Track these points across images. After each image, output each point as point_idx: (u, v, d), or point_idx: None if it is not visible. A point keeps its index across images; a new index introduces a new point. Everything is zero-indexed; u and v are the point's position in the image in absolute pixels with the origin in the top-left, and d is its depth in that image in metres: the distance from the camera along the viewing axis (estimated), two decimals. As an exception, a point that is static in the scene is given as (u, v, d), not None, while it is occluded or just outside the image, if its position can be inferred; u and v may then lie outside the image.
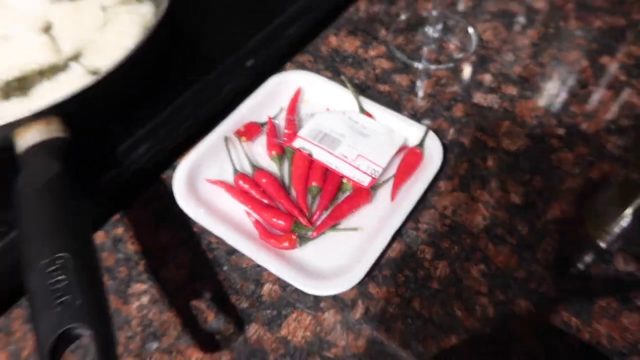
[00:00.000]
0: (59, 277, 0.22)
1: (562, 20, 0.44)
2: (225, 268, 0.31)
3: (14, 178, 0.28)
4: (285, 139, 0.35)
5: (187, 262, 0.32)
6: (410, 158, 0.34)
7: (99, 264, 0.25)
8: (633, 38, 0.42)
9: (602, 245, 0.31)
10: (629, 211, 0.30)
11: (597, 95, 0.39)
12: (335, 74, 0.40)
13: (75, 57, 0.38)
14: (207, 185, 0.33)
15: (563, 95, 0.39)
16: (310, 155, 0.33)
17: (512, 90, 0.39)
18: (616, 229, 0.30)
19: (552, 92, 0.39)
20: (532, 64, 0.41)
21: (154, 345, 0.29)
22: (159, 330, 0.29)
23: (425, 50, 0.42)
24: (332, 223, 0.31)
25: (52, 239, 0.24)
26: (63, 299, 0.22)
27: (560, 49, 0.42)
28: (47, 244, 0.24)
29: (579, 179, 0.34)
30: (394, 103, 0.38)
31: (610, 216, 0.31)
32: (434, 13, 0.42)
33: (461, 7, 0.45)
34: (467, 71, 0.41)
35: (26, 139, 0.31)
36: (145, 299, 0.30)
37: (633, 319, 0.29)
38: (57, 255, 0.23)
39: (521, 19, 0.44)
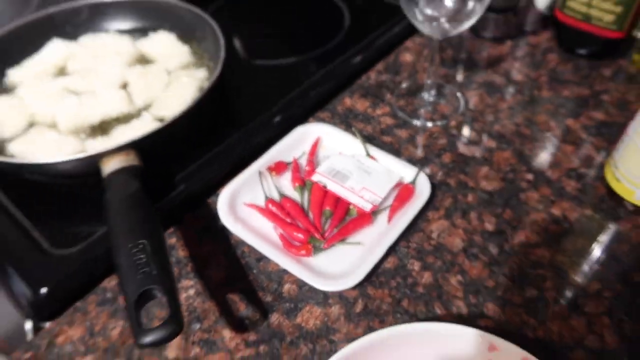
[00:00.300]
0: (140, 256, 0.31)
1: (537, 90, 0.54)
2: (254, 271, 0.40)
3: (101, 193, 0.38)
4: (306, 174, 0.44)
5: (224, 265, 0.40)
6: (404, 192, 0.42)
7: (166, 249, 0.34)
8: (594, 105, 0.51)
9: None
10: None
11: (561, 149, 0.47)
12: (348, 127, 0.50)
13: (146, 108, 0.49)
14: (243, 207, 0.42)
15: (533, 149, 0.47)
16: (325, 186, 0.42)
17: (491, 144, 0.48)
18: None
19: (524, 146, 0.48)
20: (509, 123, 0.50)
21: (197, 326, 0.37)
22: (201, 315, 0.37)
23: (422, 110, 0.52)
24: (340, 238, 0.40)
25: (135, 231, 0.33)
26: (143, 270, 0.31)
27: (533, 113, 0.51)
28: (131, 234, 0.33)
29: (542, 213, 0.42)
30: (394, 150, 0.48)
31: None
32: (429, 82, 0.52)
33: (459, 77, 0.55)
34: (455, 128, 0.50)
35: (110, 166, 0.41)
36: (191, 292, 0.39)
37: (579, 321, 0.36)
38: (138, 242, 0.32)
39: (502, 88, 0.54)
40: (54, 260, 0.39)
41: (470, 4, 0.43)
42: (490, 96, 0.53)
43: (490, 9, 0.57)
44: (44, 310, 0.38)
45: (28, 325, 0.38)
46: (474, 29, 0.61)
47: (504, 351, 0.28)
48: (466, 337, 0.29)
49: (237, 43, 0.57)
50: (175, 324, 0.28)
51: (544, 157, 0.47)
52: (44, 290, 0.38)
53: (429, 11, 0.44)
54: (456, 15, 0.44)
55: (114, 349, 0.36)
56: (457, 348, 0.29)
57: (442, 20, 0.44)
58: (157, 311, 0.37)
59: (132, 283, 0.30)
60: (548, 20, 0.58)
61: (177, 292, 0.31)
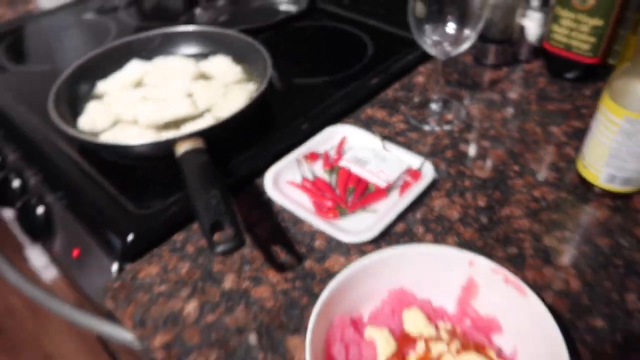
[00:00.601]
0: (212, 201, 0.42)
1: (527, 104, 0.64)
2: (292, 231, 0.50)
3: (169, 173, 0.50)
4: (334, 161, 0.55)
5: (268, 227, 0.51)
6: (412, 174, 0.53)
7: (230, 196, 0.45)
8: (574, 116, 0.62)
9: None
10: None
11: (544, 148, 0.57)
12: (368, 129, 0.61)
13: (207, 111, 0.62)
14: (284, 184, 0.53)
15: (521, 148, 0.58)
16: (349, 169, 0.53)
17: (486, 144, 0.59)
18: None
19: (514, 146, 0.58)
20: (502, 129, 0.61)
21: (247, 267, 0.47)
22: (250, 260, 0.48)
23: (430, 118, 0.63)
24: (360, 206, 0.50)
25: (207, 186, 0.45)
26: (214, 208, 0.42)
27: (523, 122, 0.62)
28: (204, 188, 0.44)
29: (525, 195, 0.52)
30: (406, 147, 0.58)
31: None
32: (435, 97, 0.63)
33: (462, 94, 0.67)
34: (457, 132, 0.61)
35: (182, 148, 0.52)
36: (242, 244, 0.49)
37: (550, 271, 0.45)
38: (210, 193, 0.43)
39: (498, 103, 0.65)
40: (136, 218, 0.51)
41: (466, 32, 0.55)
42: (488, 109, 0.64)
43: (489, 40, 0.69)
44: (128, 254, 0.49)
45: (114, 267, 0.49)
46: (476, 58, 0.72)
47: (478, 265, 0.38)
48: (451, 255, 0.39)
49: (279, 65, 0.70)
50: (238, 240, 0.39)
51: (529, 155, 0.57)
52: (130, 237, 0.49)
53: (435, 37, 0.56)
54: (456, 40, 0.55)
55: (183, 281, 0.46)
56: (445, 264, 0.39)
57: (445, 44, 0.56)
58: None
59: (207, 216, 0.41)
60: (538, 50, 0.70)
61: (238, 221, 0.42)
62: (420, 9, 0.53)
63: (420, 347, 0.36)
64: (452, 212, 0.51)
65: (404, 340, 0.36)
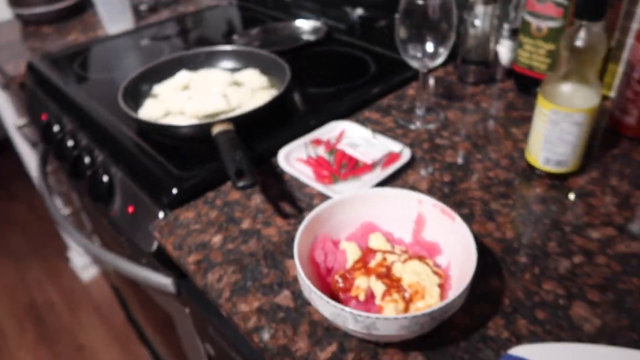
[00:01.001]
0: (237, 157, 0.58)
1: (495, 112, 0.79)
2: (296, 193, 0.65)
3: (205, 149, 0.66)
4: (333, 145, 0.71)
5: (279, 190, 0.66)
6: (393, 156, 0.68)
7: (249, 156, 0.61)
8: (532, 122, 0.76)
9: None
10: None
11: (503, 143, 0.71)
12: (364, 125, 0.77)
13: (237, 107, 0.78)
14: (293, 161, 0.69)
15: (484, 143, 0.72)
16: (344, 151, 0.69)
17: (457, 139, 0.73)
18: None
19: (479, 141, 0.72)
20: (471, 129, 0.75)
21: (260, 215, 0.62)
22: (263, 210, 0.63)
23: (415, 120, 0.78)
24: (350, 176, 0.65)
25: (233, 148, 0.60)
26: (237, 162, 0.57)
27: (489, 124, 0.76)
28: (232, 150, 0.60)
29: (482, 174, 0.66)
30: (392, 138, 0.73)
31: (487, 182, 0.62)
32: (420, 104, 0.78)
33: (443, 103, 0.82)
34: (435, 130, 0.75)
35: (217, 129, 0.69)
36: (259, 200, 0.64)
37: (492, 224, 0.58)
38: (236, 152, 0.59)
39: (471, 111, 0.80)
40: (179, 178, 0.67)
41: (440, 50, 0.70)
42: (463, 114, 0.79)
43: (469, 62, 0.85)
44: (172, 204, 0.65)
45: (161, 213, 0.65)
46: (459, 77, 0.88)
47: (425, 202, 0.52)
48: (406, 195, 0.53)
49: (297, 78, 0.86)
50: (253, 180, 0.55)
51: (490, 147, 0.71)
52: (174, 190, 0.65)
53: (417, 54, 0.72)
54: (432, 56, 0.71)
55: (211, 222, 0.62)
56: (402, 202, 0.53)
57: (424, 59, 0.71)
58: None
59: (233, 165, 0.57)
60: (510, 71, 0.85)
61: (253, 170, 0.57)
62: (403, 32, 0.69)
63: (378, 256, 0.50)
64: (422, 184, 0.65)
65: (367, 252, 0.50)
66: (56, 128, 0.92)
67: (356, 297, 0.47)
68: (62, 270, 1.95)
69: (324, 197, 0.64)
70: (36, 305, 1.83)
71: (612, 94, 0.76)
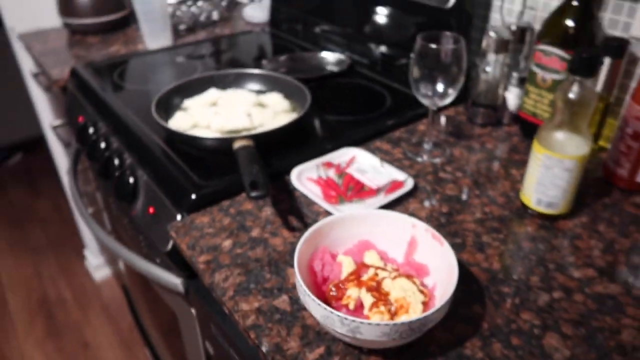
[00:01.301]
0: (253, 170, 0.64)
1: (499, 153, 0.84)
2: (304, 210, 0.71)
3: (226, 161, 0.72)
4: (343, 169, 0.76)
5: (289, 204, 0.71)
6: (397, 184, 0.73)
7: (266, 171, 0.67)
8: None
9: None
10: (486, 211, 0.66)
11: (502, 182, 0.76)
12: (373, 153, 0.82)
13: (259, 126, 0.85)
14: (305, 180, 0.75)
15: (485, 180, 0.77)
16: (352, 175, 0.74)
17: (459, 174, 0.78)
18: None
19: (479, 178, 0.77)
20: (474, 167, 0.80)
21: (269, 225, 0.67)
22: (271, 222, 0.68)
23: (422, 153, 0.83)
24: (355, 198, 0.70)
25: (251, 163, 0.66)
26: (253, 175, 0.63)
27: (491, 164, 0.81)
28: (250, 163, 0.66)
29: (478, 209, 0.71)
30: (399, 168, 0.79)
31: (481, 216, 0.67)
32: (427, 139, 0.84)
33: (451, 140, 0.87)
34: (440, 164, 0.81)
35: (238, 144, 0.75)
36: (269, 211, 0.70)
37: (481, 255, 0.63)
38: (253, 166, 0.65)
39: (476, 150, 0.85)
40: (199, 186, 0.73)
41: (450, 91, 0.76)
42: (468, 152, 0.84)
43: (479, 104, 0.90)
44: (190, 208, 0.71)
45: (179, 216, 0.71)
46: (469, 118, 0.93)
47: (418, 226, 0.57)
48: (401, 218, 0.58)
49: (317, 104, 0.93)
50: (265, 190, 0.60)
51: (490, 185, 0.76)
52: (193, 196, 0.71)
53: (428, 92, 0.78)
54: (442, 95, 0.77)
55: (224, 228, 0.67)
56: (397, 225, 0.58)
57: (434, 97, 0.77)
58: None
59: (249, 177, 0.63)
60: (517, 117, 0.90)
61: (267, 183, 0.63)
62: (416, 71, 0.75)
63: (371, 271, 0.54)
64: (421, 212, 0.70)
65: (361, 266, 0.55)
66: (91, 130, 1.00)
67: (346, 306, 0.52)
68: (77, 269, 2.02)
69: (329, 215, 0.69)
70: (48, 299, 1.90)
71: (610, 146, 0.81)
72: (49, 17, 1.46)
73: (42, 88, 1.41)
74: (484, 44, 0.86)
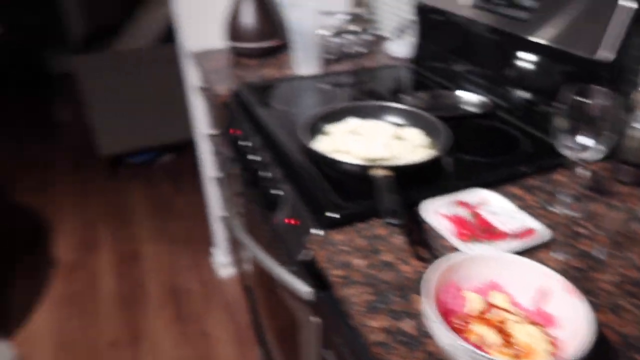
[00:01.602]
0: (392, 199, 0.70)
1: (644, 215, 0.80)
2: (433, 242, 0.74)
3: (362, 186, 0.78)
4: (475, 208, 0.79)
5: (420, 236, 0.76)
6: (529, 231, 0.74)
7: (401, 202, 0.72)
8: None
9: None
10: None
11: (645, 246, 0.73)
12: (506, 197, 0.83)
13: (397, 157, 0.91)
14: (436, 214, 0.78)
15: (623, 240, 0.74)
16: (485, 217, 0.76)
17: (597, 232, 0.76)
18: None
19: (618, 237, 0.75)
20: (613, 225, 0.78)
21: (400, 253, 0.72)
22: (402, 250, 0.73)
23: (556, 204, 0.82)
24: (487, 239, 0.73)
25: (391, 193, 0.72)
26: (391, 204, 0.69)
27: (631, 225, 0.78)
28: (390, 193, 0.72)
29: (616, 270, 0.69)
30: (532, 216, 0.79)
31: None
32: (565, 191, 0.83)
33: (592, 194, 0.85)
34: (577, 218, 0.79)
35: (377, 172, 0.81)
36: (400, 240, 0.75)
37: (616, 319, 0.61)
38: (392, 196, 0.71)
39: (617, 208, 0.82)
40: (340, 207, 0.80)
41: (597, 147, 0.75)
42: (607, 209, 0.82)
43: (625, 161, 0.87)
44: (330, 225, 0.78)
45: (321, 232, 0.78)
46: (612, 173, 0.90)
47: (550, 276, 0.58)
48: (530, 264, 0.59)
49: (455, 142, 0.96)
50: (402, 219, 0.65)
51: (627, 245, 0.73)
52: (335, 215, 0.78)
53: (572, 145, 0.77)
54: (587, 150, 0.76)
55: (357, 248, 0.73)
56: (525, 271, 0.59)
57: (579, 150, 0.77)
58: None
59: (388, 205, 0.68)
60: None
61: (402, 213, 0.68)
62: (562, 122, 0.76)
63: (497, 311, 0.57)
64: (551, 264, 0.70)
65: (488, 305, 0.58)
66: (245, 143, 1.13)
67: (468, 340, 0.54)
68: (205, 264, 2.22)
69: (457, 251, 0.72)
70: (178, 288, 2.11)
71: None
72: (213, 39, 1.66)
73: (206, 101, 1.61)
74: (634, 98, 0.84)
